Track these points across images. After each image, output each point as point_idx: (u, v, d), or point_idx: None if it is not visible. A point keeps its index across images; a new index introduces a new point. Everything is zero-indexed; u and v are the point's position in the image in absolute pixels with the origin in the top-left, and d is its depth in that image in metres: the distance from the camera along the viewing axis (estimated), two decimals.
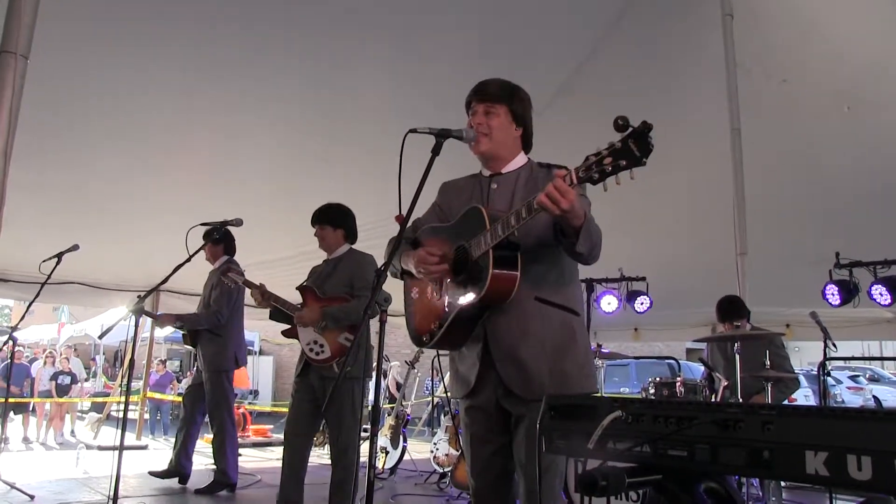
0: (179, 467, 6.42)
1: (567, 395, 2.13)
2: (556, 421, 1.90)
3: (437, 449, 7.34)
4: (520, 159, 2.84)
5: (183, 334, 6.52)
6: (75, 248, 6.04)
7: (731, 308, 5.87)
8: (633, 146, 2.13)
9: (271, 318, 5.34)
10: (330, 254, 5.08)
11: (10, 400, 9.50)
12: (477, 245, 2.56)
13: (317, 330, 4.79)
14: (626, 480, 1.61)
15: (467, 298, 2.56)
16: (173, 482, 6.46)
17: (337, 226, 5.03)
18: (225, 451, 6.35)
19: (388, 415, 8.28)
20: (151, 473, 6.43)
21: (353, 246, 5.10)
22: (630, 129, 2.14)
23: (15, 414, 11.99)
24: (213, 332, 6.35)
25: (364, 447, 3.92)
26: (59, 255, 6.03)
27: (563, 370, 2.56)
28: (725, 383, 5.38)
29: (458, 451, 6.96)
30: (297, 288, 5.08)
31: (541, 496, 2.29)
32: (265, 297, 5.22)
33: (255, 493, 6.47)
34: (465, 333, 2.69)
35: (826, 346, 6.13)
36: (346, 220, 5.07)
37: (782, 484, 5.97)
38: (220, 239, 6.26)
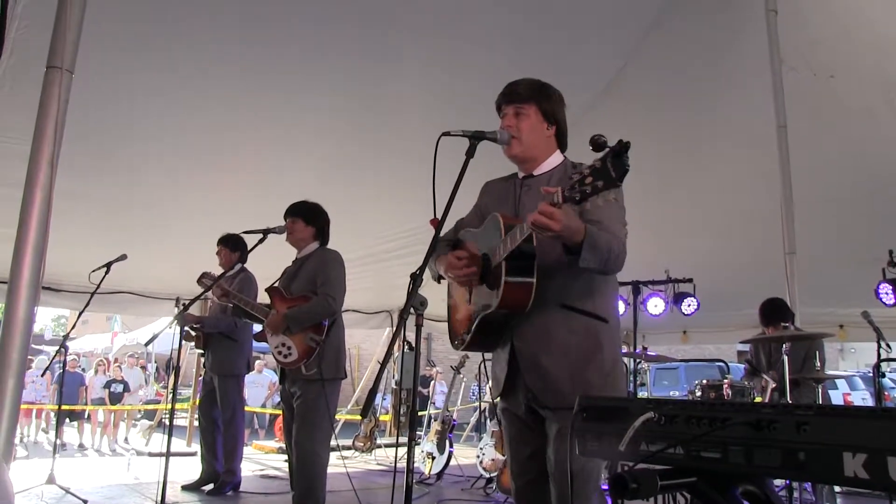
0: (214, 473, 6.50)
1: (599, 396, 2.09)
2: (588, 423, 1.87)
3: (484, 454, 7.31)
4: (554, 159, 2.78)
5: (196, 336, 6.56)
6: (123, 257, 6.16)
7: (774, 312, 5.76)
8: (609, 167, 2.02)
9: (233, 313, 5.50)
10: (299, 251, 5.09)
11: (65, 407, 9.71)
12: (493, 254, 2.57)
13: (284, 332, 4.77)
14: (659, 483, 1.58)
15: (488, 306, 2.57)
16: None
17: (309, 222, 5.03)
18: (236, 453, 6.45)
19: (435, 420, 8.28)
20: (184, 488, 6.45)
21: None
22: (607, 148, 2.05)
23: (71, 421, 12.28)
24: (228, 337, 6.41)
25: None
26: (108, 265, 6.17)
27: (587, 379, 2.51)
28: (774, 385, 5.27)
29: (503, 455, 6.93)
30: (265, 290, 5.09)
31: (572, 500, 2.25)
32: (229, 297, 5.32)
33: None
34: (494, 338, 2.70)
35: (879, 346, 5.97)
36: (319, 219, 5.09)
37: (836, 489, 5.84)
38: (236, 246, 6.36)
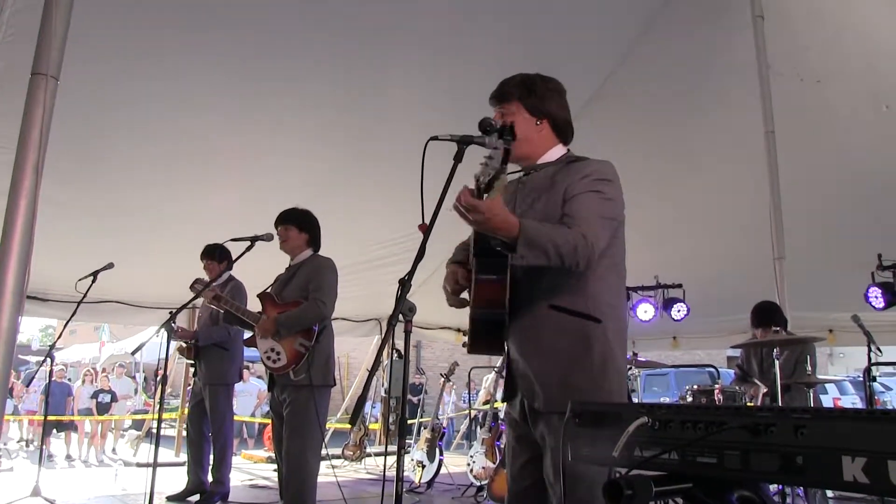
0: (199, 484, 6.42)
1: (592, 402, 2.06)
2: (581, 428, 1.84)
3: (474, 462, 7.27)
4: (554, 153, 2.70)
5: (186, 348, 6.50)
6: (110, 266, 6.11)
7: (765, 314, 5.75)
8: (499, 150, 2.07)
9: (225, 320, 5.48)
10: (292, 258, 5.09)
11: (51, 418, 9.61)
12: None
13: (274, 337, 4.75)
14: (654, 489, 1.55)
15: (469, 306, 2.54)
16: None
17: (302, 229, 5.04)
18: (225, 463, 6.38)
19: (425, 428, 8.24)
20: (170, 499, 6.34)
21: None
22: (495, 131, 2.13)
23: (58, 432, 12.16)
24: (220, 347, 6.36)
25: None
26: (95, 274, 6.11)
27: (573, 383, 2.39)
28: (765, 390, 5.26)
29: (494, 464, 6.90)
30: (257, 295, 5.08)
31: None
32: (219, 302, 5.27)
33: None
34: (492, 340, 2.62)
35: (870, 350, 5.97)
36: (311, 225, 5.10)
37: (829, 494, 5.82)
38: (222, 256, 6.30)
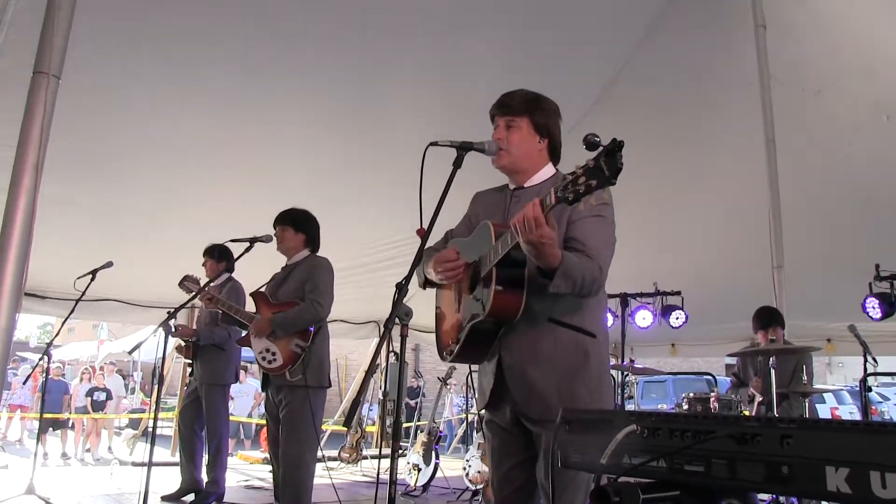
0: (194, 483, 6.41)
1: (582, 409, 2.08)
2: (571, 435, 1.86)
3: (470, 466, 7.28)
4: (545, 172, 2.77)
5: (185, 346, 6.50)
6: (109, 265, 6.11)
7: (768, 316, 5.77)
8: (603, 165, 2.03)
9: (223, 320, 5.59)
10: (289, 258, 5.08)
11: (46, 416, 9.61)
12: (485, 262, 2.56)
13: (269, 337, 4.74)
14: (641, 496, 1.56)
15: (477, 315, 2.56)
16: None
17: (299, 229, 5.02)
18: (219, 463, 6.36)
19: (421, 431, 8.24)
20: (164, 499, 6.32)
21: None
22: (601, 147, 2.07)
23: (54, 430, 12.15)
24: (217, 347, 6.36)
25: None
26: (94, 272, 6.11)
27: (573, 392, 2.51)
28: (760, 398, 5.27)
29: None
30: (250, 294, 5.07)
31: None
32: (214, 303, 5.28)
33: None
34: (482, 349, 2.68)
35: (866, 360, 5.98)
36: (309, 225, 5.07)
37: None
38: (222, 256, 6.30)
